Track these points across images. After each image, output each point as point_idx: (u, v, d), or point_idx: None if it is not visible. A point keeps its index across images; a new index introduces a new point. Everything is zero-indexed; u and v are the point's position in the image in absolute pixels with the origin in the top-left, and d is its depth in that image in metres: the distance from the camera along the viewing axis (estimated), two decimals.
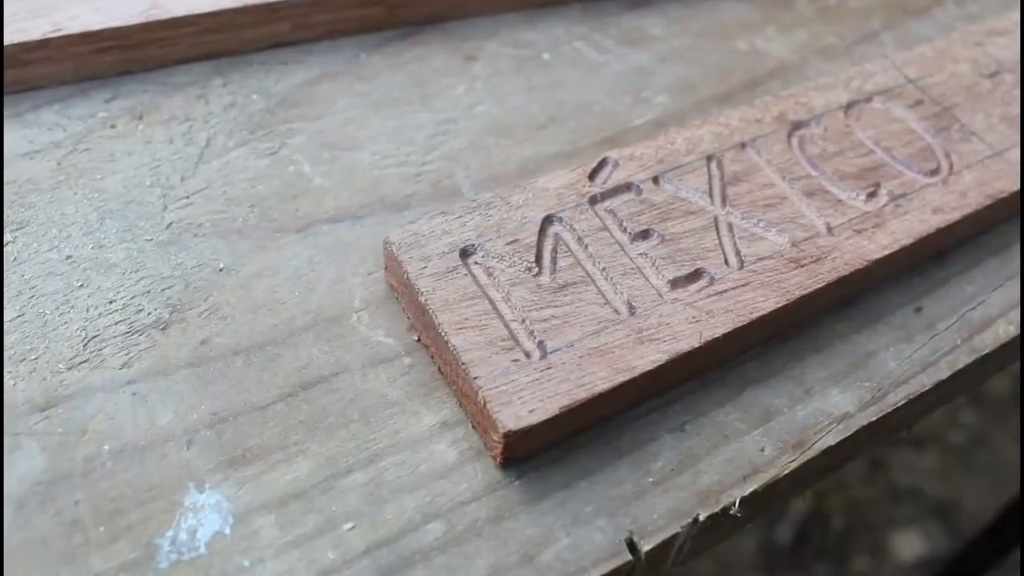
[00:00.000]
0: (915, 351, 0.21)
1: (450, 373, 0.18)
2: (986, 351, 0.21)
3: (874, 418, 0.20)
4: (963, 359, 0.21)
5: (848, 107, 0.25)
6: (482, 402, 0.17)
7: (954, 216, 0.22)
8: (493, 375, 0.17)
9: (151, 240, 0.21)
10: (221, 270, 0.21)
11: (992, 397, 0.76)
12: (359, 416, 0.18)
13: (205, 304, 0.20)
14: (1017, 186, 0.23)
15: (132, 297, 0.20)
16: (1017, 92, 0.26)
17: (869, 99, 0.25)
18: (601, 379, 0.17)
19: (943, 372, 0.21)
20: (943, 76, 0.26)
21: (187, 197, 0.22)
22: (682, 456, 0.18)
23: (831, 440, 0.19)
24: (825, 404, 0.20)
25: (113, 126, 0.24)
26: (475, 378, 0.17)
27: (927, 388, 0.20)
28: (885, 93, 0.25)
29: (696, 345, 0.18)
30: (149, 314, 0.20)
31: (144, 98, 0.25)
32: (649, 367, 0.18)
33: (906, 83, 0.26)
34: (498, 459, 0.17)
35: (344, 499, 0.17)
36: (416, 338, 0.20)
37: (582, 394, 0.17)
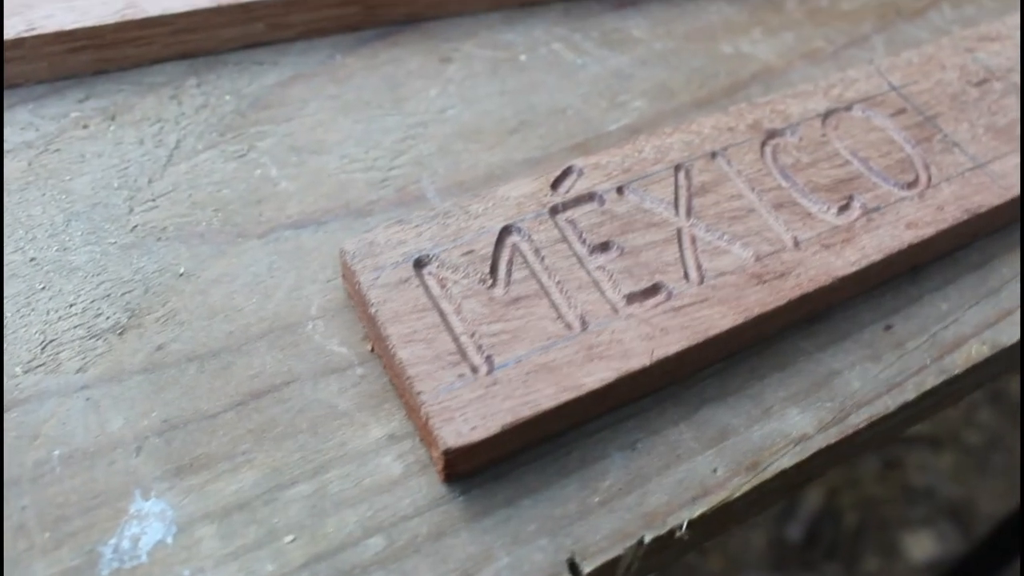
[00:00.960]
0: (881, 371, 0.21)
1: (399, 385, 0.18)
2: (956, 372, 0.21)
3: (833, 440, 0.19)
4: (931, 380, 0.21)
5: (827, 115, 0.24)
6: (424, 418, 0.17)
7: (928, 232, 0.22)
8: (437, 390, 0.17)
9: (115, 243, 0.21)
10: (181, 275, 0.21)
11: (1010, 397, 0.74)
12: (307, 427, 0.18)
13: (163, 309, 0.20)
14: (997, 200, 0.22)
15: (92, 301, 0.20)
16: (1006, 101, 0.25)
17: (849, 107, 0.25)
18: (547, 397, 0.17)
19: (909, 394, 0.20)
20: (929, 84, 0.25)
21: (153, 200, 0.22)
22: (631, 475, 0.18)
23: (787, 462, 0.19)
24: (783, 424, 0.19)
25: (85, 126, 0.24)
26: (419, 393, 0.17)
27: (891, 410, 0.20)
28: (866, 101, 0.25)
29: (647, 363, 0.18)
30: (108, 318, 0.20)
31: (118, 98, 0.25)
32: (597, 385, 0.17)
33: (889, 90, 0.25)
34: (441, 475, 0.17)
35: (287, 511, 0.17)
36: (370, 348, 0.20)
37: (526, 412, 0.17)
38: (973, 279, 0.23)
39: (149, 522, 0.16)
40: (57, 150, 0.23)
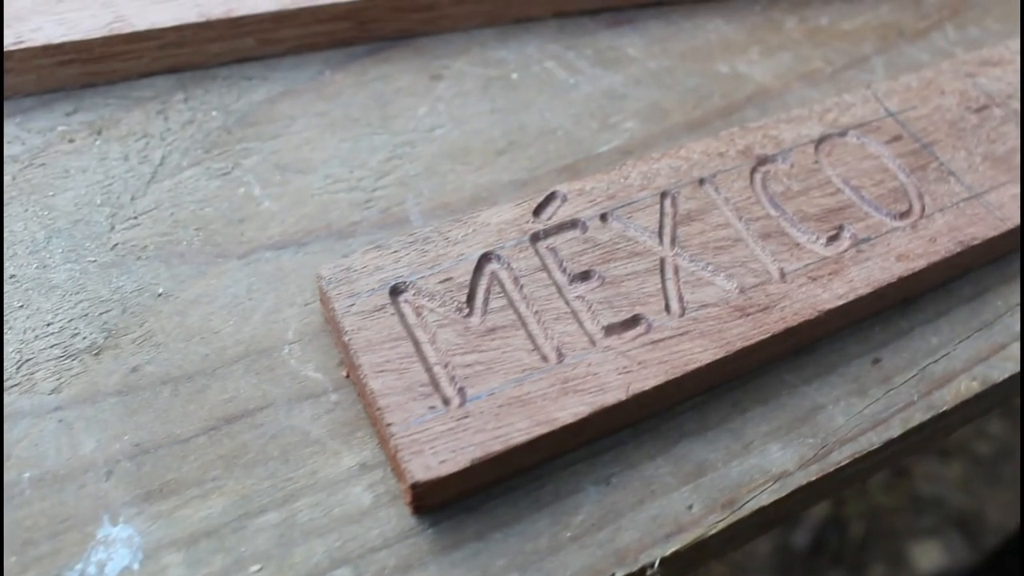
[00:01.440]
0: (867, 406, 0.20)
1: (371, 414, 0.18)
2: (944, 408, 0.20)
3: (814, 478, 0.19)
4: (918, 416, 0.20)
5: (820, 141, 0.24)
6: (393, 450, 0.16)
7: (920, 264, 0.21)
8: (407, 422, 0.17)
9: (95, 261, 0.21)
10: (160, 295, 0.21)
11: (1021, 408, 0.73)
12: (279, 453, 0.18)
13: (140, 330, 0.20)
14: (992, 232, 0.22)
15: (70, 320, 0.20)
16: (1005, 129, 0.24)
17: (844, 133, 0.24)
18: (519, 431, 0.17)
19: (895, 430, 0.20)
20: (927, 109, 0.25)
21: (135, 218, 0.22)
22: (605, 510, 0.18)
23: (764, 500, 0.18)
24: (763, 460, 0.19)
25: (71, 140, 0.24)
26: (389, 424, 0.17)
27: (875, 447, 0.20)
28: (862, 127, 0.24)
29: (623, 398, 0.17)
30: (84, 338, 0.20)
31: (105, 112, 0.25)
32: (571, 420, 0.17)
33: (886, 116, 0.25)
34: (410, 507, 0.17)
35: (255, 540, 0.17)
36: (345, 374, 0.19)
37: (497, 446, 0.17)
38: (966, 312, 0.23)
39: (116, 548, 0.16)
40: (42, 164, 0.23)
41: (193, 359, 0.19)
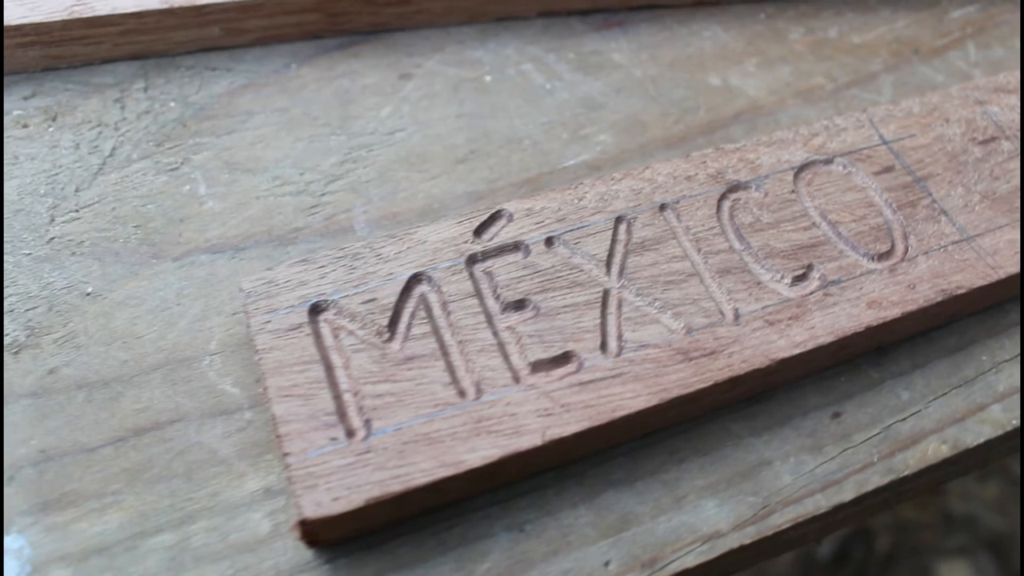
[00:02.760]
0: (819, 465, 0.19)
1: (276, 438, 0.17)
2: (906, 473, 0.19)
3: (748, 541, 0.17)
4: (875, 480, 0.19)
5: (801, 168, 0.22)
6: (288, 481, 0.16)
7: (892, 313, 0.19)
8: (305, 453, 0.16)
9: (29, 255, 0.21)
10: (88, 295, 0.20)
11: None
12: (184, 471, 0.17)
13: (63, 330, 0.19)
14: (980, 281, 0.20)
15: None
16: (1011, 165, 0.22)
17: (829, 160, 0.22)
18: (421, 472, 0.16)
19: (847, 494, 0.18)
20: (926, 139, 0.23)
21: (76, 211, 0.22)
22: (514, 560, 0.17)
23: (690, 561, 0.17)
24: (695, 518, 0.18)
25: (25, 126, 0.24)
26: (286, 454, 0.16)
27: (822, 511, 0.18)
28: (850, 155, 0.22)
29: (538, 444, 0.16)
30: (6, 335, 0.19)
31: (62, 97, 0.24)
32: (479, 463, 0.16)
33: (879, 144, 0.22)
34: (303, 541, 0.16)
35: (145, 561, 0.16)
36: (263, 390, 0.19)
37: (395, 487, 0.16)
38: (945, 365, 0.21)
39: (5, 560, 0.16)
40: None
41: (112, 364, 0.19)
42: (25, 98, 0.24)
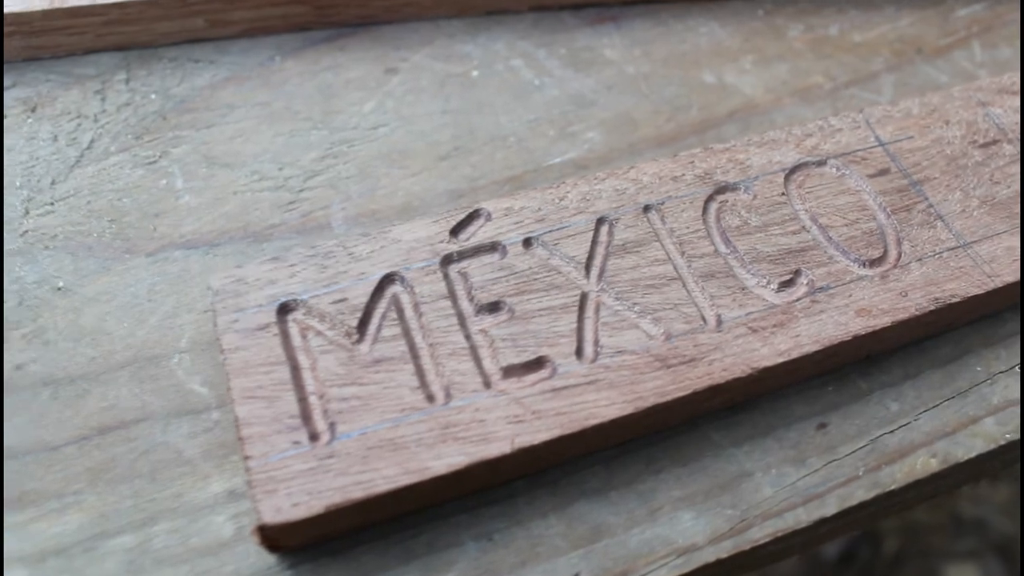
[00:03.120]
0: (802, 477, 0.18)
1: (239, 440, 0.17)
2: (892, 487, 0.18)
3: (724, 555, 0.17)
4: (860, 494, 0.18)
5: (793, 170, 0.21)
6: (249, 485, 0.15)
7: (882, 322, 0.18)
8: (267, 456, 0.15)
9: (2, 248, 0.21)
10: (59, 289, 0.20)
11: None
12: (147, 471, 0.17)
13: (33, 325, 0.19)
14: (976, 290, 0.19)
15: None
16: (1012, 169, 0.21)
17: (822, 162, 0.21)
18: (384, 479, 0.15)
19: (829, 508, 0.18)
20: (925, 141, 0.22)
21: (51, 204, 0.22)
22: (481, 570, 0.16)
23: (663, 575, 0.17)
24: (670, 530, 0.17)
25: (4, 117, 0.23)
26: (247, 457, 0.15)
27: (803, 526, 0.17)
28: (844, 156, 0.21)
29: (506, 452, 0.16)
30: None
31: (43, 88, 0.24)
32: (444, 471, 0.16)
33: (875, 145, 0.22)
34: (263, 547, 0.16)
35: (103, 563, 0.16)
36: (228, 391, 0.18)
37: (357, 493, 0.15)
38: (938, 376, 0.20)
39: None
40: None
41: (79, 361, 0.19)
42: (6, 88, 0.24)
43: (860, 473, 0.18)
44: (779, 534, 0.17)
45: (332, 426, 0.16)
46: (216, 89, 0.25)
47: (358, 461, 0.15)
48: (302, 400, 0.16)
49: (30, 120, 0.23)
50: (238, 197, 0.22)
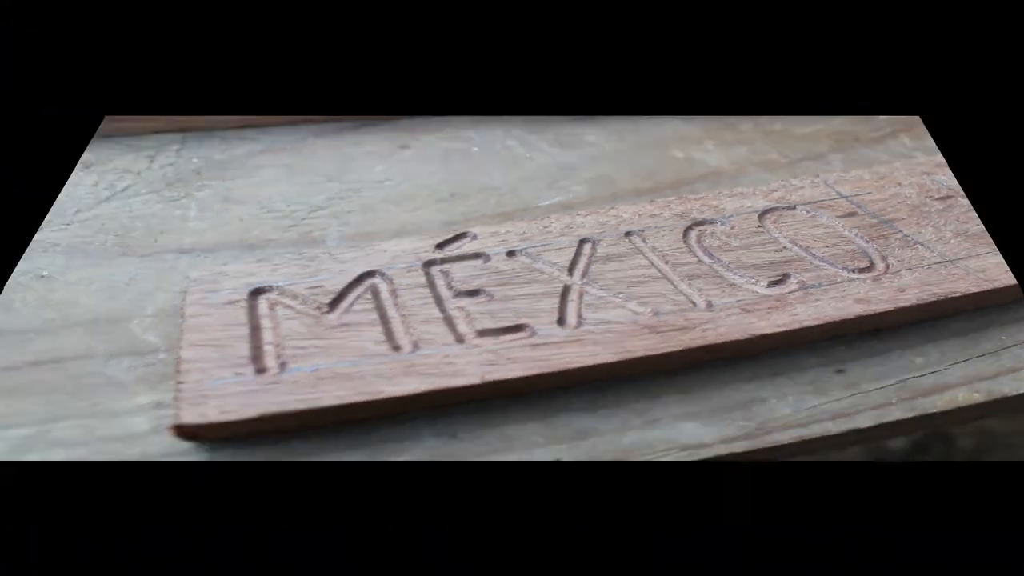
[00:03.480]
0: (825, 403, 0.15)
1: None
2: (934, 411, 0.15)
3: (739, 450, 0.13)
4: (895, 414, 0.15)
5: (764, 212, 0.22)
6: (174, 399, 0.13)
7: (883, 307, 0.17)
8: (202, 382, 0.14)
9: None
10: (42, 277, 0.20)
11: None
12: (71, 389, 0.15)
13: (2, 299, 0.19)
14: (975, 288, 0.18)
15: None
16: (974, 215, 0.22)
17: (792, 207, 0.23)
18: (333, 397, 0.13)
19: (864, 421, 0.14)
20: (884, 195, 0.24)
21: (67, 224, 0.23)
22: (440, 457, 0.13)
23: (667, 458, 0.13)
24: (671, 433, 0.14)
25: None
26: (180, 383, 0.14)
27: (832, 433, 0.14)
28: (811, 204, 0.23)
29: (475, 383, 0.14)
30: None
31: (104, 154, 0.27)
32: (401, 394, 0.13)
33: (838, 198, 0.23)
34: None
35: None
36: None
37: (298, 406, 0.13)
38: (960, 341, 0.18)
39: None
40: None
41: (35, 322, 0.18)
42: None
43: (893, 400, 0.15)
44: (804, 438, 0.14)
45: (283, 364, 0.14)
46: (252, 156, 0.28)
47: (307, 386, 0.14)
48: (256, 348, 0.15)
49: (81, 174, 0.26)
50: (243, 222, 0.23)
